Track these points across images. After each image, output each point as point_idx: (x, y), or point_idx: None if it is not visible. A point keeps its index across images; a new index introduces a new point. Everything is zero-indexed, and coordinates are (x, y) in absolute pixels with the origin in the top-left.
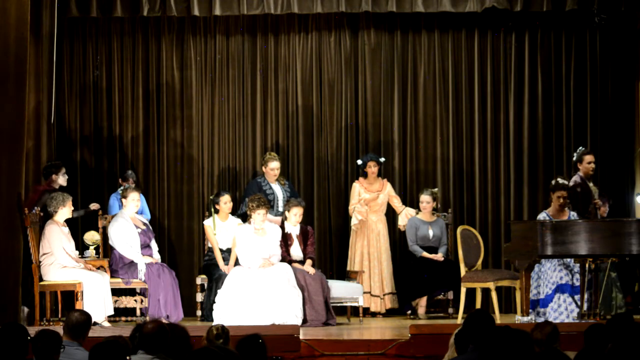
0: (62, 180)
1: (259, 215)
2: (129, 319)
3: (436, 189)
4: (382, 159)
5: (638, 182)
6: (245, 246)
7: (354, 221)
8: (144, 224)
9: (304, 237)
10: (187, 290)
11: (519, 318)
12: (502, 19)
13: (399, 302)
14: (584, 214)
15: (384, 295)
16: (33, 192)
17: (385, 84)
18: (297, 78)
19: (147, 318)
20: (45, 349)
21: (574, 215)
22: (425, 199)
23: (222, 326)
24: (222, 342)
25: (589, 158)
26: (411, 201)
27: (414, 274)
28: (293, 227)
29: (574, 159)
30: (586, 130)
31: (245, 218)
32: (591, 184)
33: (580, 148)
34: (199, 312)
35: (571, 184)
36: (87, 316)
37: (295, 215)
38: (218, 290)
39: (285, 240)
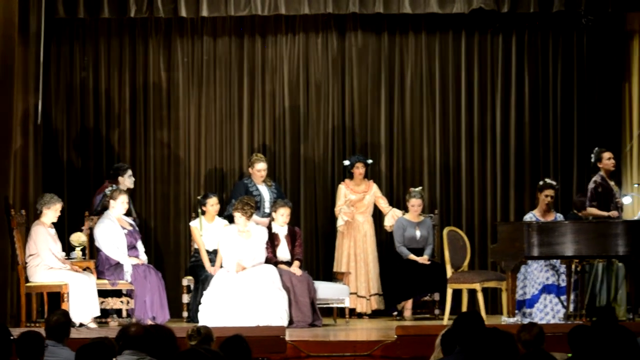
0: (128, 182)
1: (235, 218)
2: (115, 320)
3: (420, 188)
4: (370, 161)
5: (625, 183)
6: (230, 248)
7: (339, 222)
8: (130, 224)
9: (292, 237)
10: (174, 292)
11: (505, 319)
12: (489, 20)
13: (385, 303)
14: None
15: (370, 296)
16: (97, 194)
17: (372, 85)
18: (284, 79)
19: (134, 319)
20: (28, 351)
21: (560, 217)
22: (416, 202)
23: (197, 327)
24: (196, 343)
25: (608, 155)
26: (398, 202)
27: (400, 276)
28: (280, 227)
29: (592, 159)
30: (573, 131)
31: (232, 219)
32: (612, 183)
33: (596, 148)
34: (185, 314)
35: (591, 184)
36: (67, 317)
37: (282, 216)
38: (204, 292)
39: (273, 241)
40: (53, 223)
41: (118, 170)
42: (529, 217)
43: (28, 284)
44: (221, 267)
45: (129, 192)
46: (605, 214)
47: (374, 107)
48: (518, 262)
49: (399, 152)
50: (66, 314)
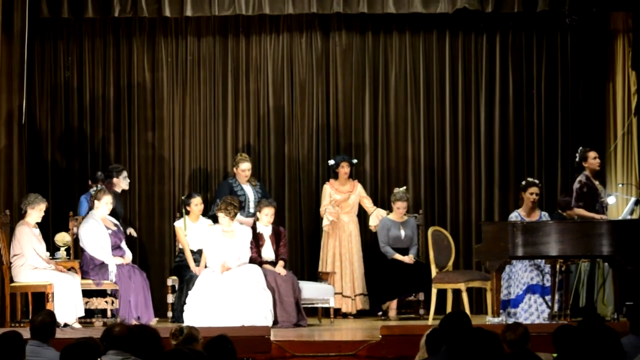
0: (124, 183)
1: (219, 218)
2: (100, 319)
3: (404, 188)
4: (355, 160)
5: (609, 182)
6: (214, 247)
7: (325, 222)
8: (115, 224)
9: (276, 237)
10: (158, 292)
11: (489, 319)
12: (473, 20)
13: (370, 303)
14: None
15: (355, 296)
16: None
17: (357, 85)
18: (269, 79)
19: (119, 319)
20: (9, 352)
21: (545, 215)
22: (402, 205)
23: (181, 327)
24: (178, 342)
25: (593, 154)
26: (382, 202)
27: (384, 276)
28: (265, 227)
29: (577, 159)
30: (557, 131)
31: (216, 219)
32: (597, 183)
33: (580, 148)
34: (169, 314)
35: (576, 184)
36: (52, 317)
37: (266, 216)
38: (189, 292)
39: (257, 240)
40: (37, 223)
41: (113, 171)
42: (514, 216)
43: (12, 284)
44: (206, 267)
45: (123, 193)
46: (596, 216)
47: (359, 107)
48: (502, 262)
49: (384, 152)
50: (51, 314)
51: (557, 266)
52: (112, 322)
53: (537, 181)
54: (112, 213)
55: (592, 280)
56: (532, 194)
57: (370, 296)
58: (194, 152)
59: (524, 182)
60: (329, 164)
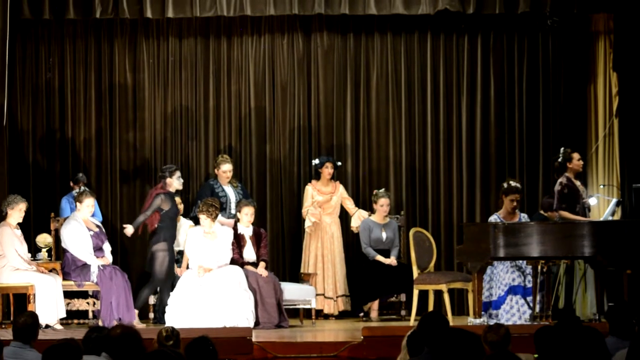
0: (177, 183)
1: (200, 219)
2: (81, 321)
3: (384, 189)
4: (339, 163)
5: (590, 184)
6: (195, 249)
7: (307, 223)
8: (97, 226)
9: (257, 239)
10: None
11: (471, 320)
12: (454, 21)
13: (352, 304)
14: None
15: (337, 297)
16: (149, 196)
17: (338, 86)
18: (250, 80)
19: (100, 322)
20: None
21: (524, 217)
22: (385, 202)
23: (172, 328)
24: (172, 343)
25: (577, 155)
26: (364, 203)
27: (366, 277)
28: (246, 228)
29: (560, 160)
30: (538, 133)
31: (198, 221)
32: (578, 183)
33: (562, 149)
34: (151, 315)
35: (557, 187)
36: (34, 318)
37: (246, 215)
38: (170, 293)
39: (239, 241)
40: (19, 224)
41: (166, 171)
42: (493, 219)
43: None
44: (188, 268)
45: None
46: (584, 220)
47: (340, 108)
48: (484, 263)
49: (365, 153)
50: (34, 315)
51: (539, 267)
52: (93, 323)
53: (518, 186)
54: (170, 213)
55: (571, 281)
56: (512, 200)
57: (352, 297)
58: (175, 153)
59: (505, 186)
60: (314, 163)
